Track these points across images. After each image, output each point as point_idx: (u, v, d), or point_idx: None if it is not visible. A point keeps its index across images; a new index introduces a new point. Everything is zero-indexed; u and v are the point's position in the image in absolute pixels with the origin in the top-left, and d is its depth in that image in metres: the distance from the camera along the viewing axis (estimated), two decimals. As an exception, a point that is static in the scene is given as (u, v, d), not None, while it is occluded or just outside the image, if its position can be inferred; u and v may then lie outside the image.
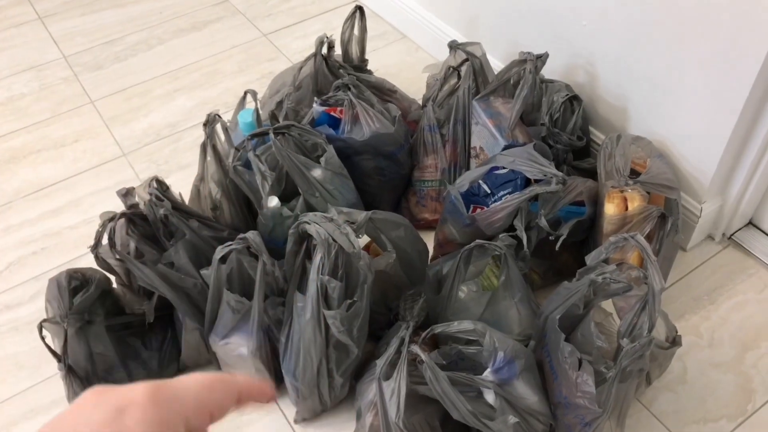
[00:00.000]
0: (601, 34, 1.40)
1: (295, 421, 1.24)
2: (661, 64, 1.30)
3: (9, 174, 1.74)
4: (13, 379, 1.32)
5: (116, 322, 1.20)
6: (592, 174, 1.35)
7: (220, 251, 1.12)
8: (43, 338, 1.10)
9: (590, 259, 1.04)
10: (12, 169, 1.75)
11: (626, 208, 1.23)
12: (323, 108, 1.41)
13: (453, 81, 1.50)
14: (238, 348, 1.17)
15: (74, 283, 1.15)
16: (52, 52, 2.11)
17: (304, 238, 1.12)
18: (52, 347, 1.12)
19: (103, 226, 1.16)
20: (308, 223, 1.07)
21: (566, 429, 1.05)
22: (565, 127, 1.42)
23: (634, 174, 1.28)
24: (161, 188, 1.21)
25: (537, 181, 1.19)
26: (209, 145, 1.29)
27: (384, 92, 1.55)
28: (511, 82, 1.45)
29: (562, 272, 1.30)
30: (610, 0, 1.34)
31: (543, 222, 1.19)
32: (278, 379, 1.24)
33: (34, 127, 1.87)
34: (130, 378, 1.18)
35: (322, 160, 1.28)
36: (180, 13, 2.23)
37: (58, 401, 1.24)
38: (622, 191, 1.24)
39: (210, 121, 1.28)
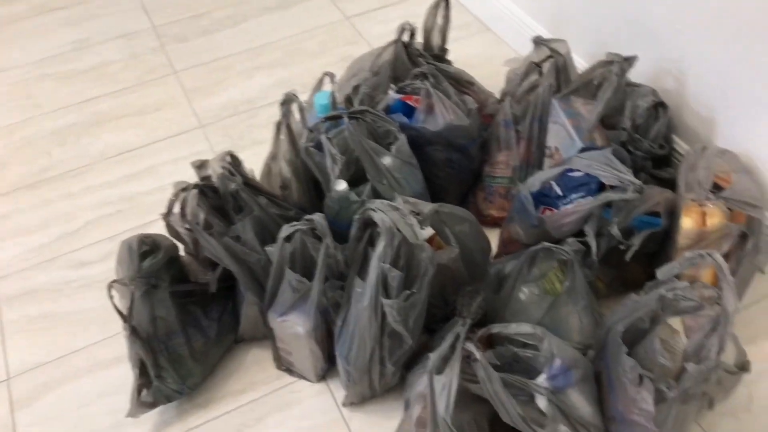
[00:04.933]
0: (696, 40, 1.34)
1: (344, 404, 1.24)
2: (760, 76, 1.23)
3: (93, 137, 1.81)
4: (81, 333, 1.38)
5: (180, 289, 1.23)
6: (671, 184, 1.30)
7: (285, 230, 1.13)
8: (111, 298, 1.14)
9: (662, 273, 1.00)
10: (96, 132, 1.83)
11: (704, 224, 1.17)
12: (399, 96, 1.41)
13: (534, 77, 1.47)
14: (294, 326, 1.18)
15: (144, 248, 1.18)
16: (142, 22, 2.18)
17: (369, 224, 1.11)
18: (119, 308, 1.16)
19: (176, 195, 1.19)
20: (374, 210, 1.07)
21: (618, 445, 1.02)
22: (647, 133, 1.36)
23: (717, 188, 1.22)
24: (234, 163, 1.23)
25: (612, 187, 1.15)
26: (284, 124, 1.30)
27: (462, 84, 1.52)
28: (595, 83, 1.40)
29: (629, 283, 1.26)
30: (711, 1, 1.27)
31: (615, 230, 1.15)
32: (331, 362, 1.25)
33: (120, 93, 1.94)
34: (189, 344, 1.22)
35: (393, 148, 1.28)
36: (267, -9, 2.26)
37: (121, 358, 1.28)
38: (701, 205, 1.18)
39: (287, 101, 1.29)
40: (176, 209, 1.20)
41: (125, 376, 1.22)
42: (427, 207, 1.11)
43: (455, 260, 1.17)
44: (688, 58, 1.38)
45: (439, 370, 1.01)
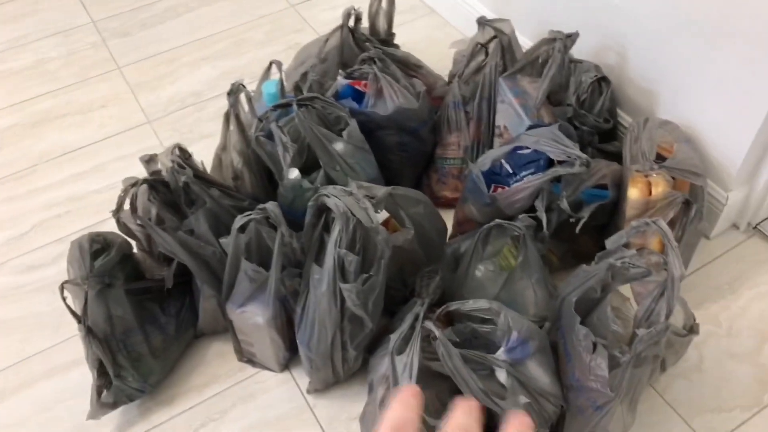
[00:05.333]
0: (635, 15, 1.37)
1: (308, 392, 1.25)
2: (697, 49, 1.27)
3: (35, 138, 1.76)
4: (35, 338, 1.35)
5: (135, 287, 1.21)
6: (617, 157, 1.33)
7: (239, 220, 1.13)
8: (64, 299, 1.12)
9: (610, 242, 1.03)
10: (38, 132, 1.77)
11: (650, 193, 1.21)
12: (348, 81, 1.41)
13: (480, 58, 1.48)
14: (253, 317, 1.18)
15: (95, 246, 1.16)
16: (81, 17, 2.12)
17: (323, 210, 1.12)
18: (73, 308, 1.14)
19: (125, 191, 1.17)
20: (328, 196, 1.07)
21: (577, 411, 1.05)
22: (592, 108, 1.40)
23: (660, 158, 1.25)
24: (183, 156, 1.22)
25: (560, 162, 1.18)
26: (232, 114, 1.29)
27: (410, 67, 1.53)
28: (539, 60, 1.42)
29: (581, 255, 1.29)
30: (644, -21, 1.31)
31: (564, 204, 1.18)
32: (293, 350, 1.25)
33: (62, 91, 1.88)
34: (147, 341, 1.20)
35: (345, 133, 1.28)
36: (208, -19, 2.23)
37: (78, 361, 1.26)
38: (646, 176, 1.22)
39: (234, 91, 1.28)
40: (127, 206, 1.18)
41: (84, 378, 1.20)
42: (380, 191, 1.12)
43: (411, 242, 1.18)
44: (627, 33, 1.41)
45: (400, 350, 1.02)
